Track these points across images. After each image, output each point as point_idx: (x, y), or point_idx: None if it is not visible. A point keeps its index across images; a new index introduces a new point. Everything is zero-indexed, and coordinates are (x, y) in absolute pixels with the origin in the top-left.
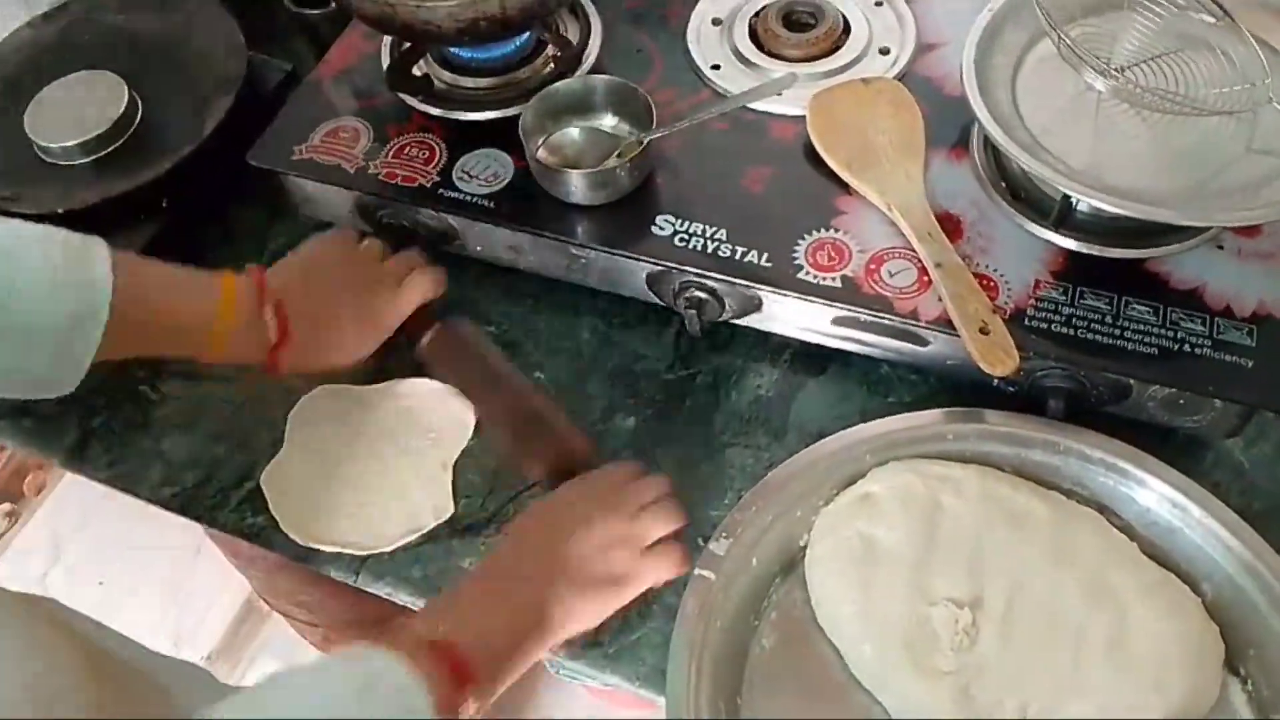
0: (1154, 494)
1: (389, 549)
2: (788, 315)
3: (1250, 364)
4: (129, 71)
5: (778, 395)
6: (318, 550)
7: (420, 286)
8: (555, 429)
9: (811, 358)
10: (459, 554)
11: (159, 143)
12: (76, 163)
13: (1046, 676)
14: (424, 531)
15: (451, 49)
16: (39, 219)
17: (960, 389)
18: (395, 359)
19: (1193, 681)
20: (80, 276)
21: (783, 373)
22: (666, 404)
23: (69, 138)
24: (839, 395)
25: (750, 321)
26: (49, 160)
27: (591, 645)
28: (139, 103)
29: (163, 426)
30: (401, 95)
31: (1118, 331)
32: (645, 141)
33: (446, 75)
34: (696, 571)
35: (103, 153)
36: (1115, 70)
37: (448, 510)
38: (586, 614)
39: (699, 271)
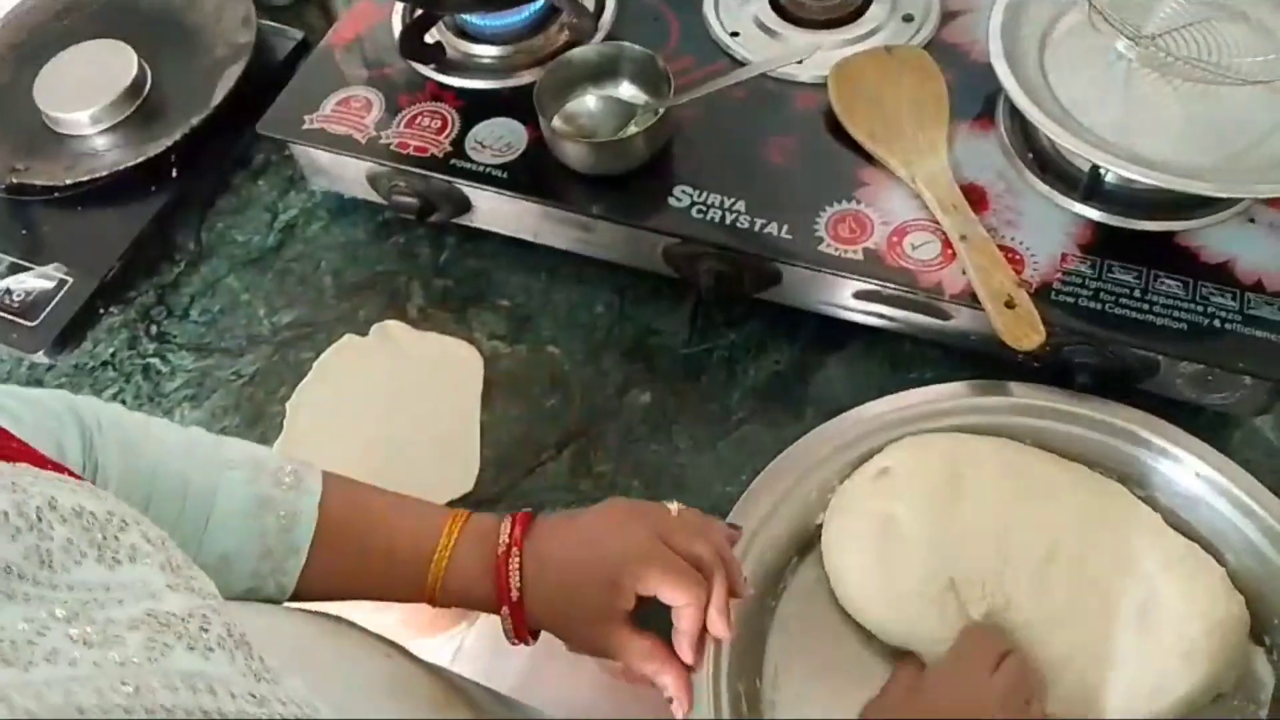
0: (1177, 464)
1: None
2: (808, 289)
3: None
4: (138, 40)
5: (796, 371)
6: None
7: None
8: None
9: (831, 333)
10: None
11: (169, 112)
12: (86, 133)
13: (1075, 653)
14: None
15: (464, 15)
16: (48, 190)
17: (985, 365)
18: None
19: (1219, 651)
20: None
21: (801, 348)
22: (683, 379)
23: (78, 108)
24: (859, 371)
25: (769, 295)
26: (58, 130)
27: None
28: (148, 71)
29: (173, 400)
30: (413, 64)
31: (1146, 306)
32: (662, 111)
33: (459, 43)
34: None
35: (112, 123)
36: (1146, 38)
37: (469, 484)
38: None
39: (717, 244)
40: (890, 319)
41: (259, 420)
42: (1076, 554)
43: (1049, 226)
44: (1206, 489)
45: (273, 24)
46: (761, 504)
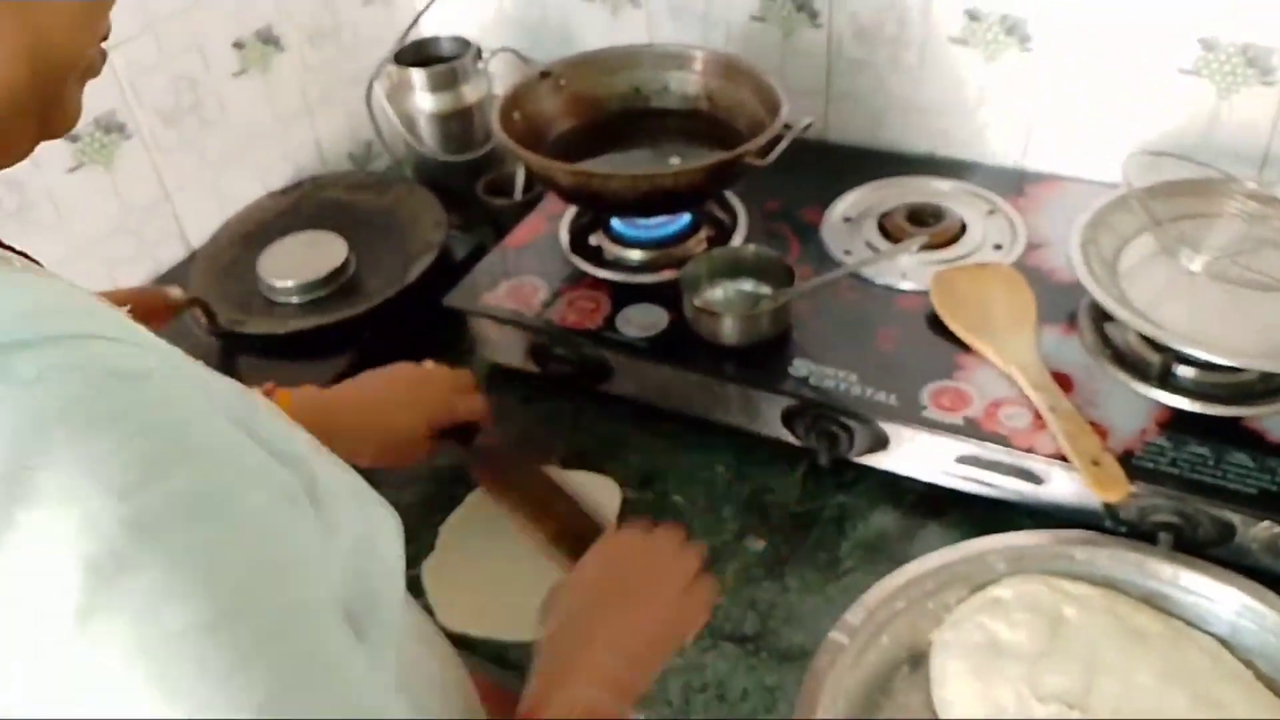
0: (1273, 625)
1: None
2: (912, 453)
3: None
4: (349, 233)
5: (900, 533)
6: (466, 634)
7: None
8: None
9: (934, 499)
10: None
11: (367, 290)
12: (294, 300)
13: None
14: None
15: (625, 225)
16: (258, 339)
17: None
18: None
19: None
20: None
21: (905, 512)
22: (794, 532)
23: (292, 278)
24: (959, 536)
25: (876, 461)
26: (272, 297)
27: None
28: (354, 257)
29: None
30: (577, 260)
31: (1220, 473)
32: (786, 294)
33: (615, 248)
34: (831, 634)
35: (318, 294)
36: (1206, 255)
37: None
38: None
39: (831, 406)
40: (987, 484)
41: (412, 539)
42: (1158, 693)
43: (1129, 408)
44: None
45: (455, 233)
46: (881, 605)
